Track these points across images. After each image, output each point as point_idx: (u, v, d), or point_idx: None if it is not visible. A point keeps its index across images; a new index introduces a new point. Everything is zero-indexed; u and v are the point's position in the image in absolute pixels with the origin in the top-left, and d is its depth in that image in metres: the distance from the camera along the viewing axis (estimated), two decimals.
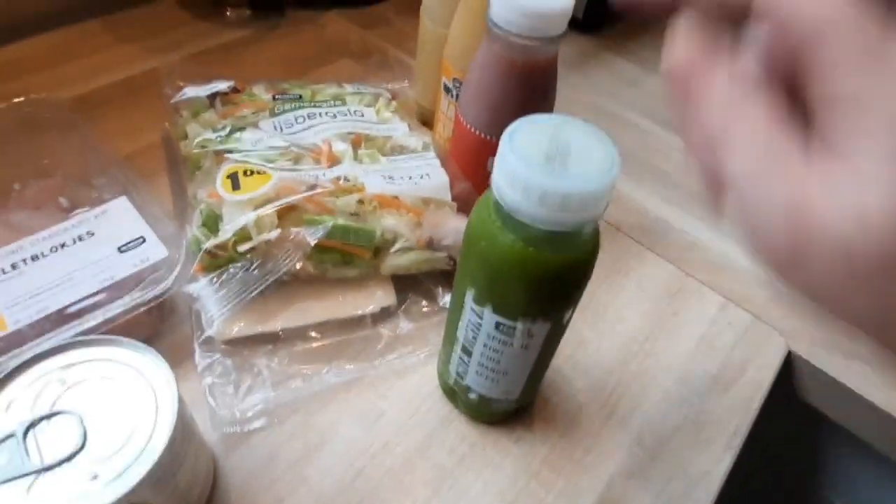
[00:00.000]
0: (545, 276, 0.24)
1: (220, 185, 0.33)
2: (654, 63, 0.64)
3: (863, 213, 0.13)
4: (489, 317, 0.26)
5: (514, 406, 0.33)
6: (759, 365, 0.39)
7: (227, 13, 0.59)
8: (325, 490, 0.31)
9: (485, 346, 0.28)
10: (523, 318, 0.26)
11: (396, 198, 0.36)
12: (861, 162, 0.13)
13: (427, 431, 0.33)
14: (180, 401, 0.25)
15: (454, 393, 0.33)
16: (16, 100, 0.39)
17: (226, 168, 0.34)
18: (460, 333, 0.29)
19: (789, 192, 0.14)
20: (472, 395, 0.32)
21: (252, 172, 0.34)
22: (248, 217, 0.32)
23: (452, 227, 0.36)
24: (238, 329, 0.34)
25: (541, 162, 0.21)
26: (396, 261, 0.36)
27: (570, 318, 0.28)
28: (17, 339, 0.28)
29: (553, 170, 0.21)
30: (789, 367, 0.41)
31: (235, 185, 0.33)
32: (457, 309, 0.28)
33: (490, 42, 0.33)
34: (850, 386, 0.39)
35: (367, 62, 0.57)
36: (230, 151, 0.36)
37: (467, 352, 0.29)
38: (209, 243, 0.31)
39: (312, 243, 0.32)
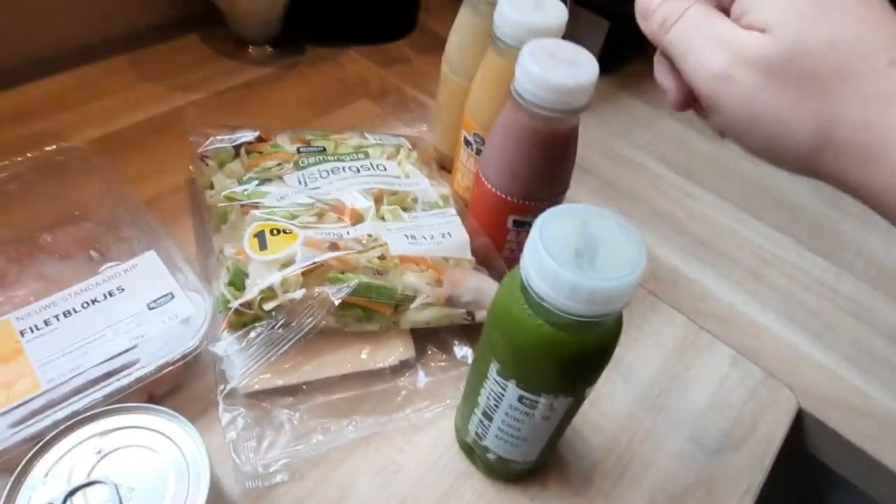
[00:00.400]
0: (570, 358, 0.25)
1: (248, 244, 0.34)
2: (666, 104, 0.64)
3: (769, 34, 0.21)
4: (513, 390, 0.27)
5: (532, 466, 0.33)
6: (771, 421, 0.40)
7: (250, 50, 0.60)
8: None
9: (506, 414, 0.29)
10: (546, 393, 0.26)
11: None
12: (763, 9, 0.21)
13: (444, 488, 0.34)
14: (213, 471, 0.25)
15: (471, 450, 0.34)
16: (46, 148, 0.40)
17: (253, 226, 0.35)
18: (482, 400, 0.30)
19: (722, 30, 0.22)
20: (491, 456, 0.32)
21: (278, 231, 0.35)
22: (274, 277, 0.33)
23: (472, 285, 0.36)
24: (261, 382, 0.34)
25: (570, 257, 0.22)
26: (416, 316, 0.36)
27: (591, 391, 0.28)
28: (52, 399, 0.29)
29: (582, 266, 0.22)
30: (799, 424, 0.42)
31: (262, 245, 0.34)
32: (479, 376, 0.29)
33: (513, 110, 0.34)
34: (859, 445, 0.39)
35: (386, 102, 0.58)
36: (256, 206, 0.37)
37: (488, 416, 0.30)
38: (236, 302, 0.32)
39: (337, 302, 0.33)
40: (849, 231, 0.54)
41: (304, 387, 0.35)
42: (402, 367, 0.37)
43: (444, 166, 0.51)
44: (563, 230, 0.23)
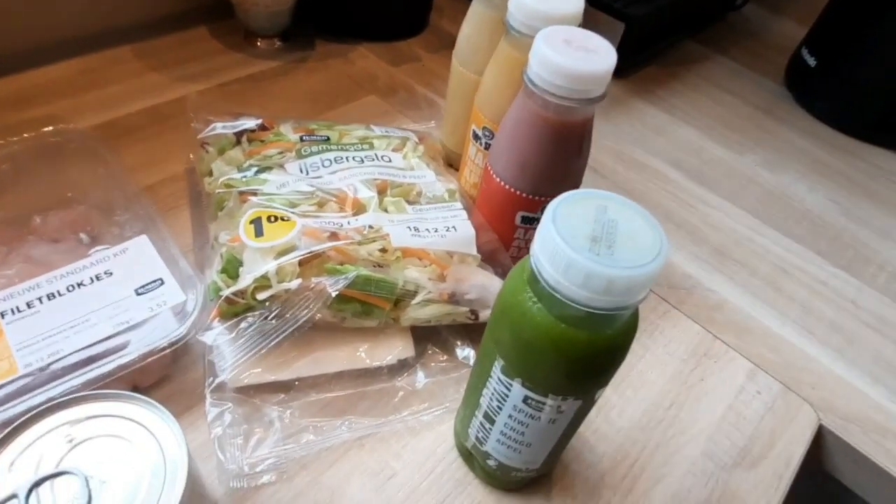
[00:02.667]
0: (580, 356, 0.23)
1: (243, 230, 0.32)
2: (681, 110, 0.63)
3: None
4: (518, 390, 0.25)
5: (534, 475, 0.31)
6: (789, 438, 0.37)
7: (258, 44, 0.59)
8: None
9: (510, 416, 0.27)
10: (554, 394, 0.24)
11: (422, 248, 0.35)
12: None
13: (440, 497, 0.32)
14: (190, 465, 0.24)
15: (471, 456, 0.32)
16: (44, 129, 0.39)
17: (250, 213, 0.33)
18: (484, 400, 0.28)
19: None
20: (491, 462, 0.30)
21: (276, 219, 0.33)
22: (269, 266, 0.31)
23: (477, 282, 0.35)
24: (251, 376, 0.33)
25: (586, 243, 0.20)
26: (417, 313, 0.35)
27: (602, 394, 0.26)
28: (28, 383, 0.27)
29: (599, 252, 0.20)
30: (819, 441, 0.39)
31: (259, 232, 0.32)
32: (482, 375, 0.27)
33: (526, 98, 0.33)
34: (884, 465, 0.37)
35: (394, 99, 0.57)
36: (254, 193, 0.35)
37: (490, 419, 0.28)
38: (228, 290, 0.31)
39: (333, 294, 0.32)
40: (871, 245, 0.52)
41: (297, 383, 0.34)
42: (401, 367, 0.36)
43: (452, 164, 0.49)
44: (579, 214, 0.21)
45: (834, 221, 0.53)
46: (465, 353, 0.37)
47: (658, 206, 0.52)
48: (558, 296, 0.21)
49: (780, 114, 0.65)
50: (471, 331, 0.37)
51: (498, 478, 0.31)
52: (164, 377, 0.34)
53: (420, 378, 0.35)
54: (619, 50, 0.62)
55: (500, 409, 0.27)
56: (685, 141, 0.60)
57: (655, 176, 0.55)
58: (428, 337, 0.37)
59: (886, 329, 0.45)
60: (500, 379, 0.26)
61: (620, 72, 0.65)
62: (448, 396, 0.35)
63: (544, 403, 0.25)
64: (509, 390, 0.25)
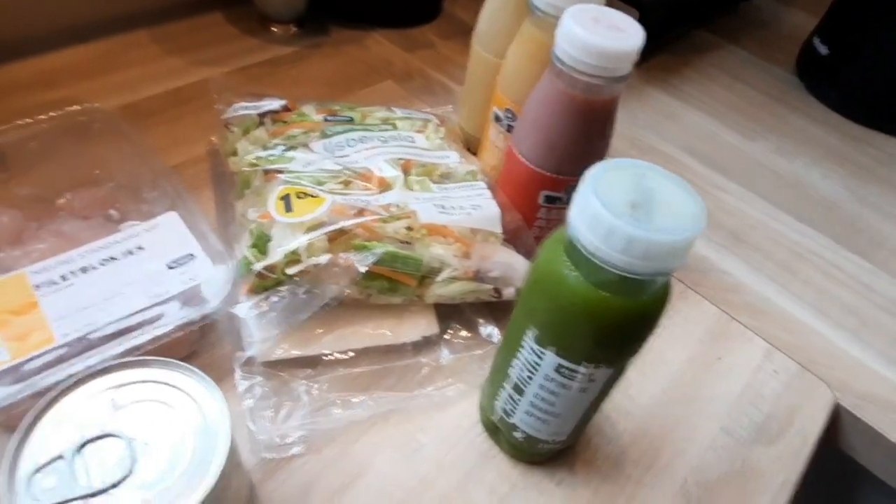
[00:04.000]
0: (615, 322, 0.23)
1: (273, 206, 0.33)
2: (693, 98, 0.64)
3: None
4: (551, 359, 0.25)
5: (559, 447, 0.32)
6: (806, 416, 0.38)
7: (274, 29, 0.59)
8: None
9: (541, 387, 0.27)
10: (587, 362, 0.25)
11: (445, 226, 0.35)
12: None
13: (466, 469, 0.32)
14: (232, 429, 0.24)
15: (496, 429, 0.32)
16: (69, 108, 0.39)
17: (279, 189, 0.33)
18: (513, 371, 0.28)
19: None
20: (518, 435, 0.31)
21: (305, 195, 0.33)
22: (299, 241, 0.31)
23: (502, 259, 0.35)
24: (280, 351, 0.33)
25: (626, 209, 0.21)
26: (442, 290, 0.35)
27: (631, 363, 0.27)
28: (65, 353, 0.28)
29: (639, 218, 0.20)
30: (835, 420, 0.40)
31: (288, 208, 0.33)
32: (512, 346, 0.28)
33: (552, 77, 0.33)
34: None
35: (410, 85, 0.57)
36: (280, 171, 0.36)
37: (519, 390, 0.29)
38: (259, 265, 0.31)
39: (363, 270, 0.32)
40: (884, 230, 0.52)
41: (324, 358, 0.34)
42: (426, 344, 0.36)
43: (470, 147, 0.50)
44: (618, 182, 0.22)
45: (847, 207, 0.54)
46: (489, 330, 0.37)
47: None
48: (597, 261, 0.21)
49: (792, 102, 0.65)
50: (494, 309, 0.38)
51: (524, 450, 0.32)
52: (192, 353, 0.34)
53: (444, 354, 0.36)
54: None
55: (530, 379, 0.27)
56: (698, 127, 0.60)
57: (669, 161, 0.55)
58: (451, 315, 0.38)
59: None
60: (532, 349, 0.26)
61: None
62: (472, 372, 0.35)
63: (577, 372, 0.25)
64: (541, 359, 0.26)
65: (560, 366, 0.25)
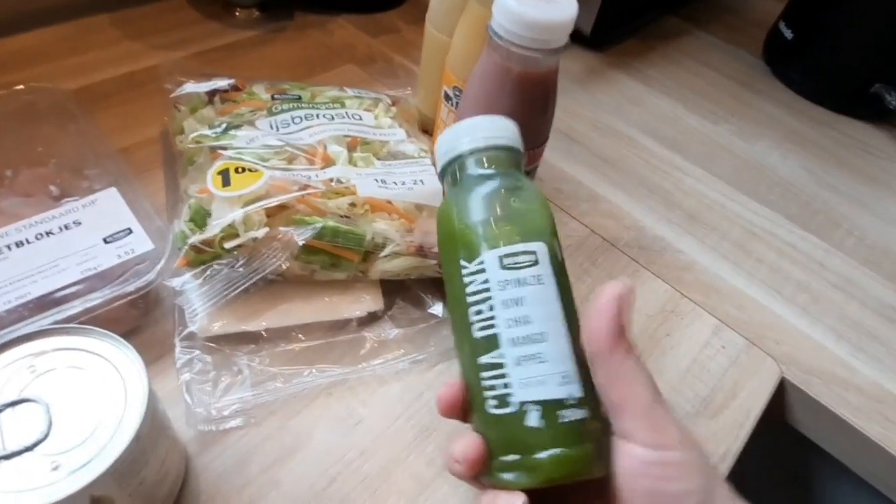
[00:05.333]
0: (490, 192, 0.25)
1: (211, 181, 0.33)
2: (658, 82, 0.64)
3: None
4: (489, 257, 0.23)
5: (586, 415, 0.23)
6: (751, 390, 0.38)
7: (237, 14, 0.59)
8: (298, 495, 0.30)
9: (503, 304, 0.23)
10: (518, 240, 0.23)
11: (389, 202, 0.35)
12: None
13: (406, 442, 0.33)
14: (150, 395, 0.24)
15: (521, 457, 0.23)
16: (15, 87, 0.39)
17: (218, 164, 0.33)
18: (474, 326, 0.24)
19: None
20: (532, 412, 0.22)
21: (244, 170, 0.33)
22: (235, 214, 0.31)
23: None
24: (221, 326, 0.33)
25: None
26: (385, 265, 0.35)
27: (558, 259, 0.24)
28: None
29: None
30: (781, 394, 0.40)
31: (226, 182, 0.33)
32: (460, 310, 0.24)
33: (490, 51, 0.33)
34: (842, 416, 0.38)
35: (372, 68, 0.57)
36: (224, 148, 0.36)
37: (492, 342, 0.23)
38: (195, 238, 0.31)
39: (300, 243, 0.32)
40: (840, 210, 0.53)
41: (266, 334, 0.34)
42: (370, 319, 0.36)
43: (427, 129, 0.50)
44: None
45: (805, 188, 0.54)
46: (435, 307, 0.37)
47: (632, 171, 0.53)
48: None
49: (757, 86, 0.66)
50: (440, 285, 0.38)
51: (557, 432, 0.22)
52: (135, 328, 0.34)
53: (388, 329, 0.36)
54: (596, 23, 0.63)
55: (491, 308, 0.23)
56: (661, 111, 0.60)
57: (631, 144, 0.56)
58: (397, 292, 0.38)
59: (851, 289, 0.46)
60: (472, 272, 0.24)
61: (597, 45, 0.66)
62: (417, 345, 0.36)
63: (517, 255, 0.23)
64: (484, 267, 0.23)
65: (501, 258, 0.23)
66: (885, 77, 0.59)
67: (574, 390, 0.23)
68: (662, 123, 0.59)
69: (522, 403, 0.22)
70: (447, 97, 0.42)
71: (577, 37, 0.61)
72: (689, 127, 0.59)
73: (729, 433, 0.36)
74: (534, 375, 0.23)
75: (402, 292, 0.38)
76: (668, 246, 0.47)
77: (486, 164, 0.26)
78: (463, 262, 0.24)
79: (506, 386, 0.23)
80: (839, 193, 0.54)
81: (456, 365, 0.33)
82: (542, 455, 0.22)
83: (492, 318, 0.23)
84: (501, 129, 0.27)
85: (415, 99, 0.51)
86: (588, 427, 0.23)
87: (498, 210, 0.25)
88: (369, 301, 0.36)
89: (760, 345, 0.41)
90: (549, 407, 0.22)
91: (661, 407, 0.23)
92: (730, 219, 0.50)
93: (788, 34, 0.65)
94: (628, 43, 0.69)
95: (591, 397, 0.23)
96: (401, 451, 0.32)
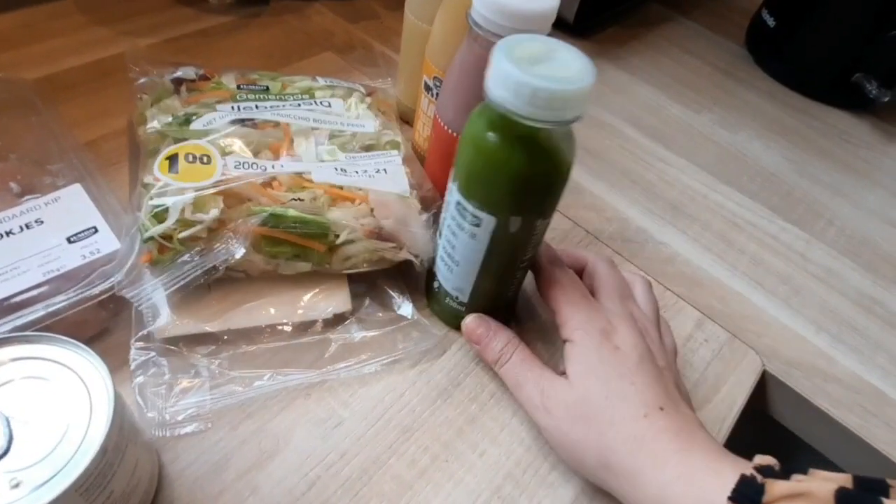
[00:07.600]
0: (505, 171, 0.27)
1: (158, 167, 0.31)
2: (642, 70, 0.63)
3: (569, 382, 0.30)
4: (455, 194, 0.29)
5: (462, 312, 0.35)
6: (734, 383, 0.38)
7: None
8: (276, 500, 0.29)
9: (448, 227, 0.31)
10: (476, 202, 0.28)
11: (344, 189, 0.34)
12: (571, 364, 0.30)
13: (387, 443, 0.32)
14: (117, 403, 0.23)
15: (434, 295, 0.36)
16: None
17: (167, 150, 0.32)
18: (443, 228, 0.32)
19: (538, 373, 0.31)
20: (435, 284, 0.35)
21: (195, 158, 0.32)
22: (186, 197, 0.30)
23: (396, 211, 0.34)
24: (178, 327, 0.32)
25: (525, 64, 0.25)
26: (346, 252, 0.34)
27: (520, 234, 0.30)
28: None
29: (533, 71, 0.24)
30: (763, 387, 0.40)
31: (172, 167, 0.31)
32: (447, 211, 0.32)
33: (470, 41, 0.32)
34: (822, 408, 0.38)
35: (351, 56, 0.55)
36: (186, 139, 0.34)
37: (440, 234, 0.33)
38: (153, 230, 0.30)
39: (252, 225, 0.31)
40: (822, 200, 0.53)
41: (227, 336, 0.33)
42: (336, 321, 0.35)
43: (407, 120, 0.49)
44: (528, 48, 0.26)
45: (787, 178, 0.54)
46: (404, 308, 0.36)
47: (615, 161, 0.52)
48: (491, 104, 0.25)
49: (739, 74, 0.65)
50: (410, 286, 0.37)
51: (439, 302, 0.36)
52: (103, 331, 0.33)
53: (356, 331, 0.35)
54: (579, 11, 0.62)
55: (444, 220, 0.32)
56: (644, 100, 0.60)
57: (613, 133, 0.55)
58: (366, 293, 0.37)
59: (833, 280, 0.46)
60: (448, 188, 0.30)
61: (581, 33, 0.65)
62: (386, 350, 0.35)
63: (466, 210, 0.29)
64: (451, 195, 0.30)
65: (458, 203, 0.29)
66: (865, 67, 0.59)
67: (461, 293, 0.34)
68: (645, 112, 0.58)
69: (435, 275, 0.35)
70: (427, 87, 0.41)
71: (560, 24, 0.60)
72: (671, 116, 0.58)
73: (712, 427, 0.36)
74: (444, 272, 0.34)
75: (371, 293, 0.37)
76: (650, 238, 0.46)
77: (543, 141, 0.27)
78: (454, 170, 0.30)
79: (436, 257, 0.34)
80: (820, 183, 0.54)
81: (434, 367, 0.33)
82: (433, 292, 0.36)
83: (443, 223, 0.32)
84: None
85: (395, 89, 0.50)
86: (460, 312, 0.35)
87: (492, 176, 0.28)
88: (337, 302, 0.35)
89: (742, 338, 0.41)
90: (444, 290, 0.35)
91: (585, 302, 0.31)
92: (712, 210, 0.50)
93: (771, 22, 0.65)
94: (611, 30, 0.68)
95: (473, 299, 0.34)
96: (382, 453, 0.32)
